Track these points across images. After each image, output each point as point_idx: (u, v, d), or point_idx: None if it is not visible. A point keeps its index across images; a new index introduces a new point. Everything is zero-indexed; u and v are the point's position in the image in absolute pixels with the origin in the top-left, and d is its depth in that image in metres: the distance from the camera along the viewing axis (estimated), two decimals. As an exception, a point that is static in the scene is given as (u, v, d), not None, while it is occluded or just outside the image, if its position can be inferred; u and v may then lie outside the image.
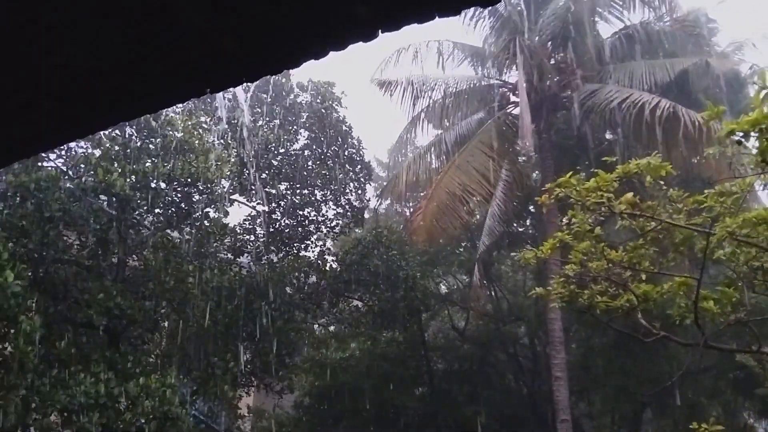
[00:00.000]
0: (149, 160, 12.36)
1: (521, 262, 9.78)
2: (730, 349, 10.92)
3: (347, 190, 17.04)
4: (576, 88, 16.44)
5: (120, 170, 11.26)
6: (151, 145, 12.62)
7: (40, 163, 12.21)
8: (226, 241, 14.81)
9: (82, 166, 11.93)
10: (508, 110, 18.00)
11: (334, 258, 17.44)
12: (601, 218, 7.59)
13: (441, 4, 1.69)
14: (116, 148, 12.15)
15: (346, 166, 16.85)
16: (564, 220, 7.95)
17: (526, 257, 8.82)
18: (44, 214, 10.58)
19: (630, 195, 7.10)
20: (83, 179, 11.76)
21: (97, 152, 12.20)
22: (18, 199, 10.80)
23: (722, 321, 7.71)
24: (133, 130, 12.81)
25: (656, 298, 7.84)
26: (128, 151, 12.19)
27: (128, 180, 11.45)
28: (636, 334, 9.31)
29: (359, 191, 17.36)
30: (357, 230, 17.50)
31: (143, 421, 10.26)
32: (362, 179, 17.39)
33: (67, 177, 12.07)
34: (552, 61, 17.17)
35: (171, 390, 10.67)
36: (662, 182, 7.34)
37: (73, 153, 12.74)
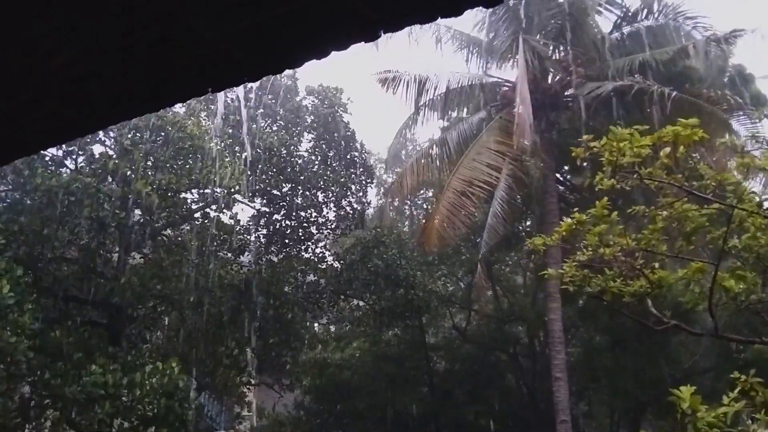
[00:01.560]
0: (166, 166, 12.51)
1: (531, 248, 9.57)
2: (740, 340, 10.74)
3: (349, 193, 17.04)
4: (578, 86, 16.39)
5: (146, 180, 11.46)
6: (165, 150, 12.73)
7: (62, 168, 12.30)
8: (228, 241, 14.83)
9: (107, 170, 12.00)
10: (512, 109, 17.99)
11: (334, 257, 17.44)
12: (627, 188, 7.33)
13: (443, 5, 1.68)
14: (140, 155, 12.26)
15: (350, 169, 16.86)
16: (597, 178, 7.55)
17: (536, 243, 8.66)
18: (72, 220, 10.61)
19: (668, 149, 6.89)
20: (111, 185, 11.84)
21: (108, 150, 12.37)
22: (45, 202, 10.79)
23: (742, 301, 7.53)
24: (146, 134, 12.90)
25: (671, 284, 7.70)
26: (149, 158, 12.33)
27: (154, 189, 11.61)
28: (646, 322, 9.17)
29: (361, 194, 17.36)
30: (358, 230, 17.48)
31: (151, 406, 10.35)
32: (364, 182, 17.38)
33: (92, 179, 12.13)
34: (554, 58, 17.10)
35: (179, 376, 10.76)
36: (694, 154, 7.14)
37: (95, 155, 12.83)
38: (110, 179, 12.12)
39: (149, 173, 12.16)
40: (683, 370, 16.79)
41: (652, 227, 7.52)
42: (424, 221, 17.19)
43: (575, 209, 8.03)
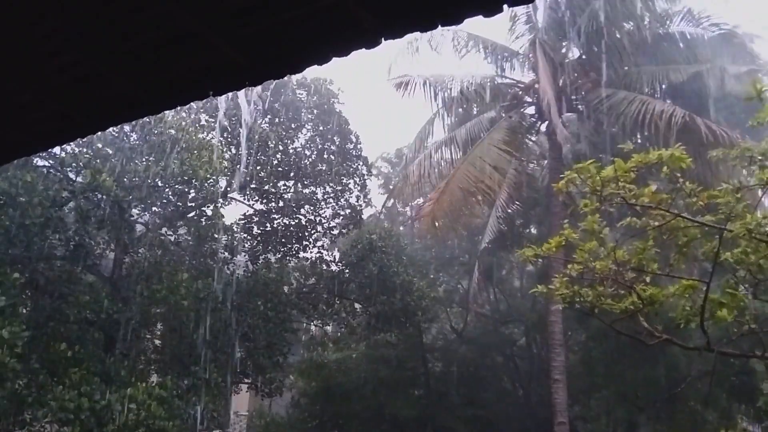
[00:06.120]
0: (143, 159, 12.26)
1: (521, 259, 9.57)
2: (733, 354, 10.76)
3: (347, 187, 16.85)
4: (588, 91, 16.32)
5: (110, 171, 11.16)
6: (144, 143, 12.51)
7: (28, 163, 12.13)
8: (222, 239, 14.60)
9: (72, 165, 11.78)
10: (523, 110, 17.95)
11: (331, 260, 17.32)
12: (611, 209, 7.38)
13: (444, 14, 1.69)
14: (108, 150, 12.06)
15: (346, 162, 16.62)
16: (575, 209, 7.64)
17: (526, 254, 8.62)
18: (25, 221, 10.46)
19: (652, 188, 6.92)
20: (74, 180, 11.61)
21: (85, 149, 12.13)
22: (2, 204, 10.60)
23: (734, 328, 7.56)
24: (126, 129, 12.68)
25: (662, 301, 7.68)
26: (121, 150, 12.13)
27: (123, 180, 11.39)
28: (639, 336, 9.17)
29: (359, 187, 17.02)
30: (355, 231, 17.29)
31: None
32: (361, 173, 17.06)
33: (57, 177, 11.84)
34: (566, 60, 17.05)
35: (157, 402, 10.50)
36: (679, 175, 7.15)
37: (62, 153, 12.62)
38: (75, 178, 11.83)
39: (124, 164, 11.86)
40: (681, 374, 16.78)
41: (642, 244, 7.53)
42: (419, 207, 17.09)
43: (584, 204, 7.99)
